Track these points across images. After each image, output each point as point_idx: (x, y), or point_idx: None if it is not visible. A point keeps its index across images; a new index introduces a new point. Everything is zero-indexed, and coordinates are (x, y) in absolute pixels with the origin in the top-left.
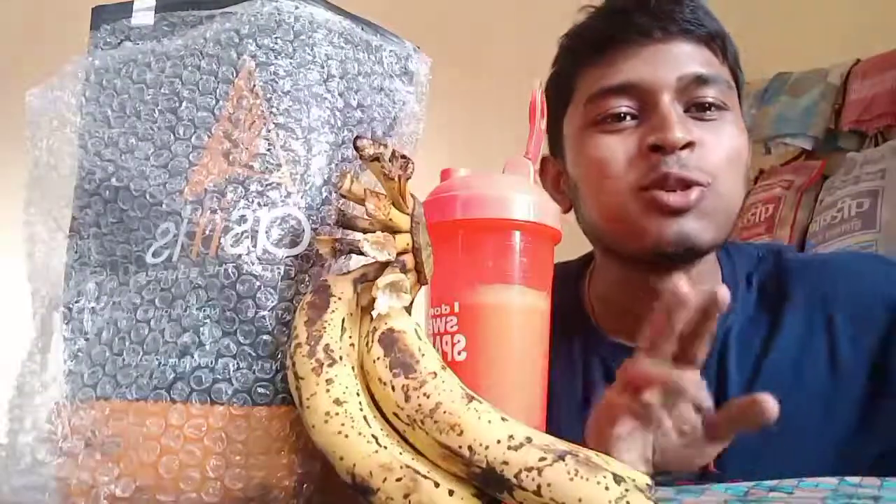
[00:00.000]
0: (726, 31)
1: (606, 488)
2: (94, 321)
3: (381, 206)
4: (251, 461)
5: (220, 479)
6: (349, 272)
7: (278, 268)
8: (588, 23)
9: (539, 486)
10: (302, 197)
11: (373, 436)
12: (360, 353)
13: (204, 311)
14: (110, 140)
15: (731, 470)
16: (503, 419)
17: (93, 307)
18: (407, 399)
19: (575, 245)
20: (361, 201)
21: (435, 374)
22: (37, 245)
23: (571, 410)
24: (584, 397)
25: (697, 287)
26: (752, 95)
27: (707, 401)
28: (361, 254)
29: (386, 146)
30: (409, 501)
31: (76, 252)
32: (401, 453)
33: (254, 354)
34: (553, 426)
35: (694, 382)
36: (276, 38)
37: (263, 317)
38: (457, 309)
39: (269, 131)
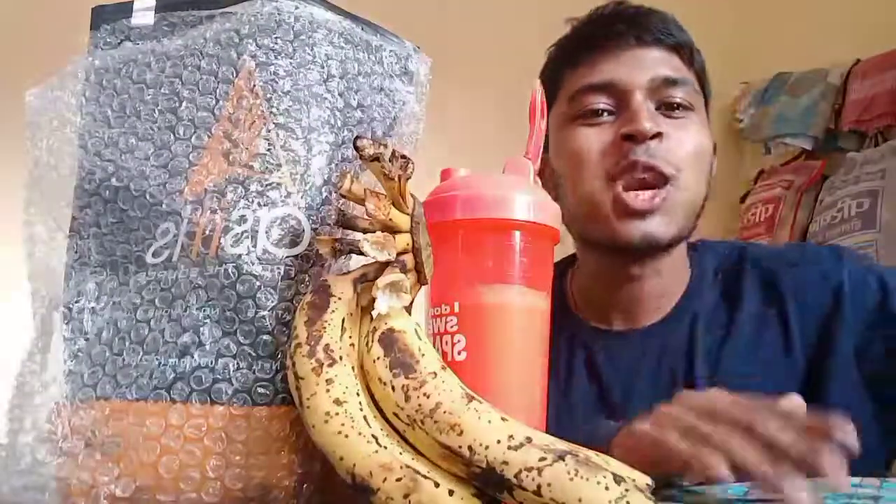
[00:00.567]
0: (693, 42)
1: (606, 488)
2: (94, 321)
3: (381, 206)
4: (251, 461)
5: (220, 479)
6: (349, 272)
7: (278, 268)
8: (574, 31)
9: (539, 486)
10: (302, 197)
11: (373, 436)
12: (360, 353)
13: (204, 311)
14: (110, 140)
15: None
16: (503, 419)
17: (93, 307)
18: (407, 399)
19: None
20: (361, 201)
21: (435, 374)
22: (37, 245)
23: (554, 397)
24: (565, 383)
25: (666, 278)
26: (752, 95)
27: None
28: (361, 254)
29: (386, 146)
30: (409, 501)
31: (76, 252)
32: (401, 453)
33: (254, 354)
34: None
35: None
36: (276, 38)
37: (263, 317)
38: (457, 309)
39: (269, 131)
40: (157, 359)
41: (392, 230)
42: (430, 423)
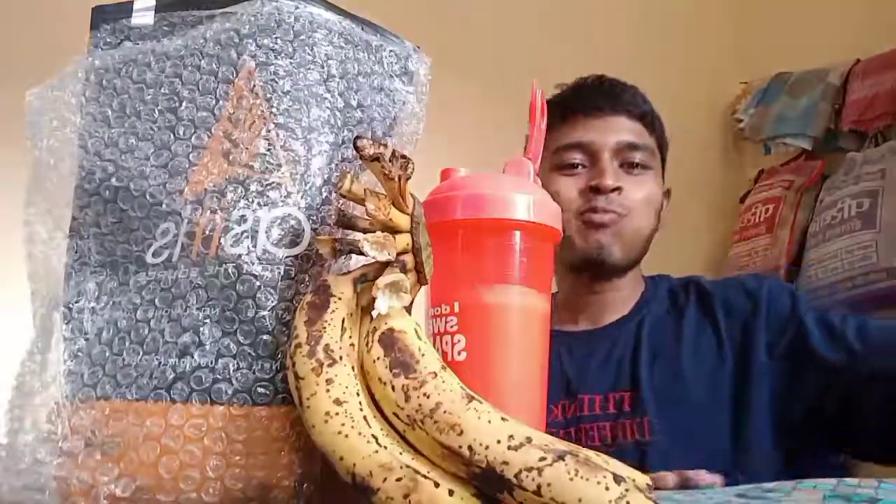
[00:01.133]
0: (656, 113)
1: (606, 488)
2: (94, 321)
3: (381, 206)
4: (251, 461)
5: (220, 479)
6: (349, 272)
7: (278, 268)
8: (560, 96)
9: (539, 486)
10: (302, 197)
11: (373, 436)
12: (360, 353)
13: (204, 311)
14: (110, 140)
15: (658, 426)
16: (503, 419)
17: (93, 307)
18: (407, 399)
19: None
20: (361, 201)
21: (435, 374)
22: (37, 245)
23: None
24: None
25: (623, 292)
26: (752, 95)
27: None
28: (361, 254)
29: (386, 146)
30: (409, 501)
31: (76, 252)
32: (401, 453)
33: (254, 354)
34: None
35: None
36: (276, 38)
37: (263, 317)
38: (457, 309)
39: (269, 131)
40: (157, 359)
41: (392, 230)
42: (430, 423)
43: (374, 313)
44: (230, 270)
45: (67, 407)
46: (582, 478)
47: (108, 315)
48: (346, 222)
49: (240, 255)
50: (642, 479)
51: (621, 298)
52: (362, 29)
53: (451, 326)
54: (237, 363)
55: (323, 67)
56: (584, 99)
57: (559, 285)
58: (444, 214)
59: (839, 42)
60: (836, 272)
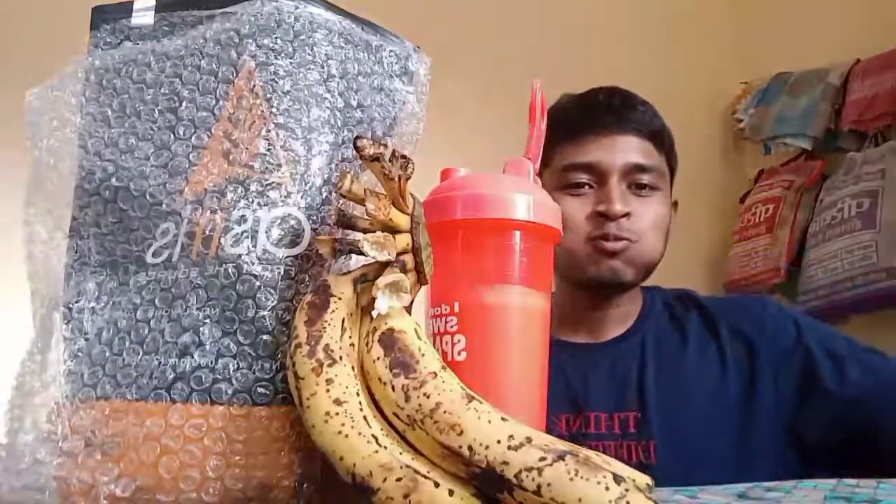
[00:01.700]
0: (666, 127)
1: (606, 488)
2: (94, 321)
3: (381, 206)
4: (251, 461)
5: (220, 479)
6: (349, 272)
7: (278, 268)
8: (567, 111)
9: (539, 486)
10: (302, 197)
11: (373, 436)
12: (360, 353)
13: (204, 311)
14: (110, 140)
15: (662, 451)
16: (503, 419)
17: (93, 307)
18: (407, 399)
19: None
20: (361, 201)
21: (435, 374)
22: (37, 245)
23: None
24: None
25: (623, 307)
26: (752, 95)
27: None
28: (361, 254)
29: (386, 146)
30: (409, 501)
31: (76, 252)
32: (401, 453)
33: (254, 354)
34: None
35: None
36: (276, 38)
37: (263, 317)
38: (457, 309)
39: (269, 131)
40: (157, 359)
41: (392, 230)
42: (430, 423)
43: (374, 313)
44: (230, 270)
45: (67, 407)
46: (582, 478)
47: (108, 315)
48: (346, 222)
49: (240, 255)
50: (642, 479)
51: (622, 313)
52: (362, 29)
53: (451, 326)
54: (237, 363)
55: (323, 67)
56: (593, 117)
57: (558, 293)
58: (444, 214)
59: (839, 42)
60: (836, 272)
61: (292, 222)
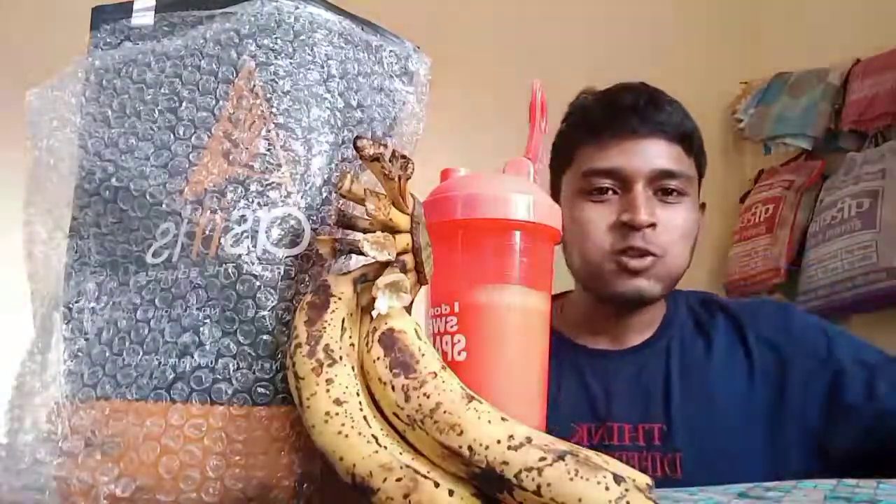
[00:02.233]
0: (697, 129)
1: (606, 488)
2: (94, 321)
3: (381, 206)
4: (251, 461)
5: (220, 479)
6: (349, 272)
7: (278, 268)
8: (589, 109)
9: (539, 486)
10: (302, 197)
11: (373, 436)
12: (360, 353)
13: (204, 311)
14: (110, 140)
15: (688, 463)
16: (503, 419)
17: (93, 307)
18: (407, 399)
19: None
20: (361, 201)
21: (435, 374)
22: (37, 245)
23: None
24: (556, 392)
25: (646, 314)
26: (752, 95)
27: None
28: (361, 254)
29: (386, 146)
30: (409, 501)
31: (76, 252)
32: (401, 453)
33: (254, 354)
34: None
35: None
36: (276, 38)
37: (263, 317)
38: (457, 309)
39: (269, 131)
40: (157, 359)
41: (392, 230)
42: (430, 423)
43: (374, 313)
44: (230, 270)
45: (67, 407)
46: (582, 478)
47: (108, 315)
48: (346, 222)
49: (240, 255)
50: (642, 479)
51: (646, 320)
52: (362, 29)
53: (451, 326)
54: (237, 363)
55: (323, 67)
56: (616, 118)
57: (577, 297)
58: (444, 214)
59: (839, 42)
60: (836, 272)
61: (292, 222)
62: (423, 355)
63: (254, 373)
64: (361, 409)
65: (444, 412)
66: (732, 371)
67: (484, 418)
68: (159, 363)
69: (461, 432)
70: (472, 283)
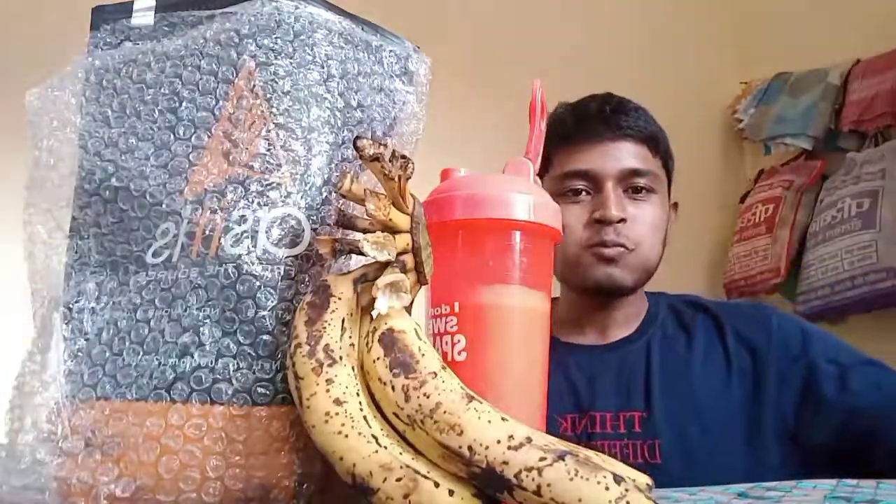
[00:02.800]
0: (661, 130)
1: (606, 488)
2: (94, 321)
3: (381, 206)
4: (251, 461)
5: (220, 479)
6: (349, 272)
7: (278, 268)
8: (562, 119)
9: (539, 486)
10: (302, 197)
11: (373, 436)
12: (360, 353)
13: (204, 311)
14: (110, 140)
15: (667, 450)
16: (503, 419)
17: (93, 307)
18: (407, 399)
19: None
20: (361, 201)
21: (435, 374)
22: (37, 245)
23: None
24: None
25: (628, 309)
26: (752, 95)
27: None
28: (361, 254)
29: (386, 146)
30: (409, 501)
31: (76, 252)
32: (401, 453)
33: (254, 354)
34: None
35: None
36: (276, 38)
37: (263, 317)
38: (457, 309)
39: (269, 131)
40: (157, 359)
41: (392, 230)
42: (430, 423)
43: (374, 313)
44: (230, 270)
45: (67, 407)
46: (582, 478)
47: (108, 315)
48: (346, 222)
49: (240, 255)
50: (642, 479)
51: (627, 315)
52: (362, 29)
53: (451, 326)
54: (237, 363)
55: (323, 67)
56: (586, 125)
57: (563, 298)
58: (443, 214)
59: (839, 42)
60: (836, 272)
61: (292, 222)
62: (423, 355)
63: (254, 373)
64: (361, 409)
65: (444, 412)
66: (711, 368)
67: (484, 418)
68: (159, 363)
69: (461, 432)
70: (472, 283)
